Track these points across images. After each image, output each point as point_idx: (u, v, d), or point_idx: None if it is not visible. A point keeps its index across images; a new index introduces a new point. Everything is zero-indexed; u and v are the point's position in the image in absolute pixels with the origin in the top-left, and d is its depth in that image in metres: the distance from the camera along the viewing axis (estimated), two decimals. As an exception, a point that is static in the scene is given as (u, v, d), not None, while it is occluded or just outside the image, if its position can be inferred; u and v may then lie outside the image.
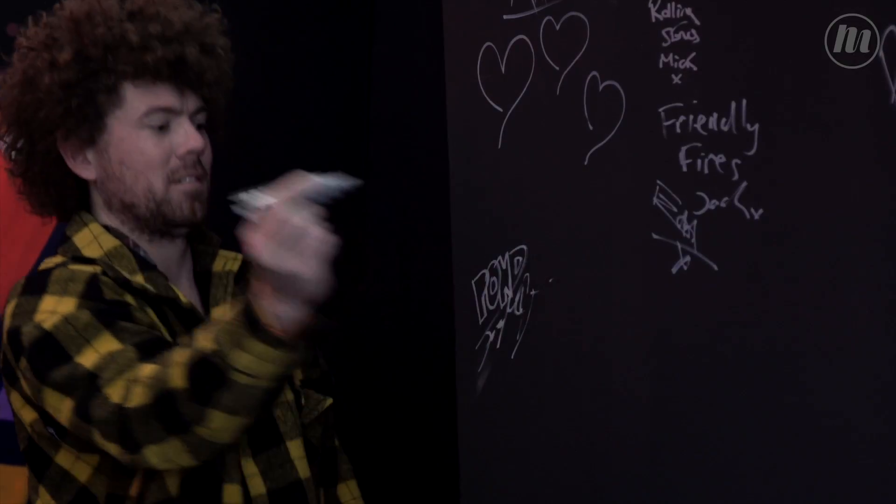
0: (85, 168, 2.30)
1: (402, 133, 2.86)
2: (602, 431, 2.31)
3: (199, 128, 2.33)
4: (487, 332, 2.55)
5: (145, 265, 2.29)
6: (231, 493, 2.23)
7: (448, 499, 2.59)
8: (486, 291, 2.55)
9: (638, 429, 2.26)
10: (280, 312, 2.02)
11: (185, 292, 2.33)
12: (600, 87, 2.32)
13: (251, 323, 2.03)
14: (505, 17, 2.49)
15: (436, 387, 2.67)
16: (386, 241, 2.68)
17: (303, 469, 2.32)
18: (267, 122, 2.83)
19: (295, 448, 2.33)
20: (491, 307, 2.54)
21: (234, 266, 2.39)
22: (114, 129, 2.28)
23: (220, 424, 2.08)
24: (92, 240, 2.30)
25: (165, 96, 2.27)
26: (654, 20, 2.23)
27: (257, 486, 2.28)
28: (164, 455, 2.11)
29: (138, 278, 2.26)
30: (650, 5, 2.23)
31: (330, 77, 2.93)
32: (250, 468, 2.29)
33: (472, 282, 2.57)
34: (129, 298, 2.23)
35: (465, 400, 2.55)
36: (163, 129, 2.28)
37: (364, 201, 2.67)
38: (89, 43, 2.28)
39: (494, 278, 2.54)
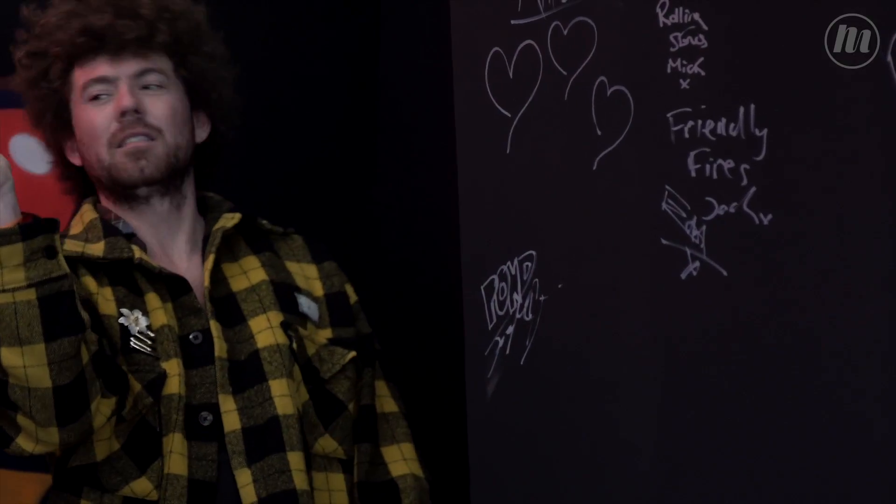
0: (73, 156, 2.45)
1: (409, 138, 2.86)
2: (611, 436, 2.31)
3: (145, 88, 2.41)
4: (497, 338, 2.53)
5: (113, 232, 2.38)
6: (169, 441, 2.28)
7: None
8: (495, 297, 2.54)
9: (647, 432, 2.26)
10: None
11: (182, 257, 2.42)
12: (608, 92, 2.32)
13: None
14: (512, 21, 2.48)
15: (445, 393, 2.67)
16: (394, 246, 2.69)
17: (283, 406, 2.35)
18: (273, 129, 2.83)
19: (277, 386, 2.36)
20: (500, 313, 2.52)
21: (228, 223, 2.45)
22: (74, 112, 2.42)
23: (15, 360, 2.13)
24: (78, 218, 2.42)
25: (100, 67, 2.40)
26: (661, 25, 2.22)
27: (232, 422, 2.33)
28: (29, 437, 2.19)
29: (94, 247, 2.35)
30: (658, 10, 2.23)
31: (336, 82, 2.94)
32: (228, 405, 2.34)
33: (481, 287, 2.56)
34: (82, 270, 2.34)
35: (474, 406, 2.55)
36: (103, 98, 2.40)
37: (372, 207, 2.67)
38: (37, 37, 2.43)
39: (503, 284, 2.52)
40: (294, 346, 2.40)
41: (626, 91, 2.29)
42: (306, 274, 2.51)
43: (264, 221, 2.53)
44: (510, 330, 2.50)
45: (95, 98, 2.42)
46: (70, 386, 2.18)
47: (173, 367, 2.33)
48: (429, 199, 2.79)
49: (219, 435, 2.33)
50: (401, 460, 2.48)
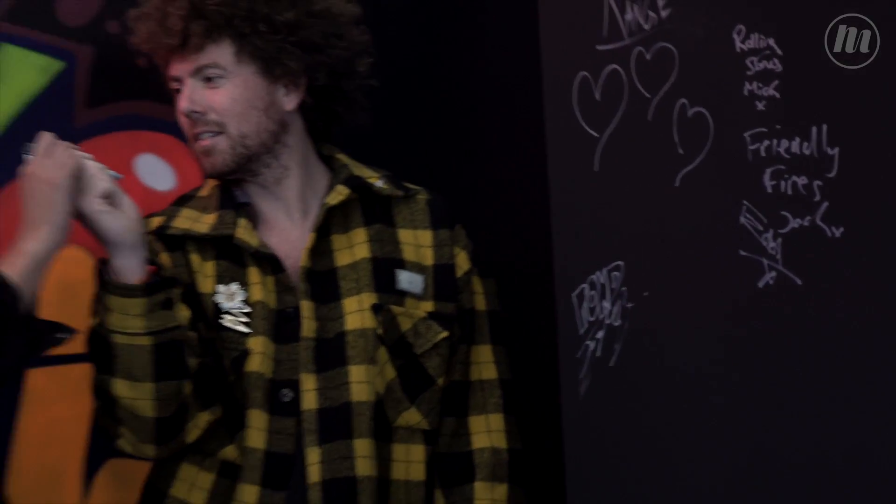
0: None
1: (503, 158, 2.83)
2: (695, 432, 2.34)
3: (208, 80, 2.36)
4: (588, 342, 2.53)
5: (227, 204, 2.40)
6: (250, 416, 2.33)
7: (554, 498, 2.56)
8: (585, 304, 2.53)
9: (727, 430, 2.29)
10: (114, 266, 2.21)
11: (296, 225, 2.41)
12: (689, 114, 2.33)
13: (102, 282, 2.21)
14: (598, 47, 2.48)
15: (540, 392, 2.66)
16: (490, 257, 2.67)
17: (358, 393, 2.35)
18: (375, 150, 2.72)
19: (356, 372, 2.36)
20: (591, 319, 2.52)
21: (333, 200, 2.41)
22: None
23: (125, 392, 2.22)
24: (208, 181, 2.45)
25: (171, 66, 2.39)
26: (738, 50, 2.25)
27: (309, 401, 2.34)
28: (128, 443, 2.28)
29: (206, 219, 2.38)
30: (735, 36, 2.25)
31: (438, 101, 2.88)
32: (309, 384, 2.35)
33: (573, 295, 2.54)
34: (190, 246, 2.38)
35: (568, 404, 2.54)
36: (181, 92, 2.40)
37: (471, 222, 2.64)
38: None
39: (594, 292, 2.51)
40: (380, 330, 2.39)
41: (705, 112, 2.30)
42: (419, 242, 2.47)
43: (384, 185, 2.46)
44: (600, 334, 2.50)
45: (178, 92, 2.41)
46: (170, 417, 2.27)
47: (258, 345, 2.34)
48: (523, 213, 2.75)
49: (298, 410, 2.34)
50: (484, 432, 2.47)
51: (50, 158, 2.22)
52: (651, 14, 2.39)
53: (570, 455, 2.55)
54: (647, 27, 2.40)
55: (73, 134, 2.47)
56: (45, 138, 2.24)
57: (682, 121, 2.34)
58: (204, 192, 2.45)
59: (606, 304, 2.49)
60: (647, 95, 2.40)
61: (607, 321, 2.49)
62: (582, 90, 2.52)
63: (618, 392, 2.48)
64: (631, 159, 2.45)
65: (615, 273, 2.49)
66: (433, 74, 2.90)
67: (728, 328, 2.28)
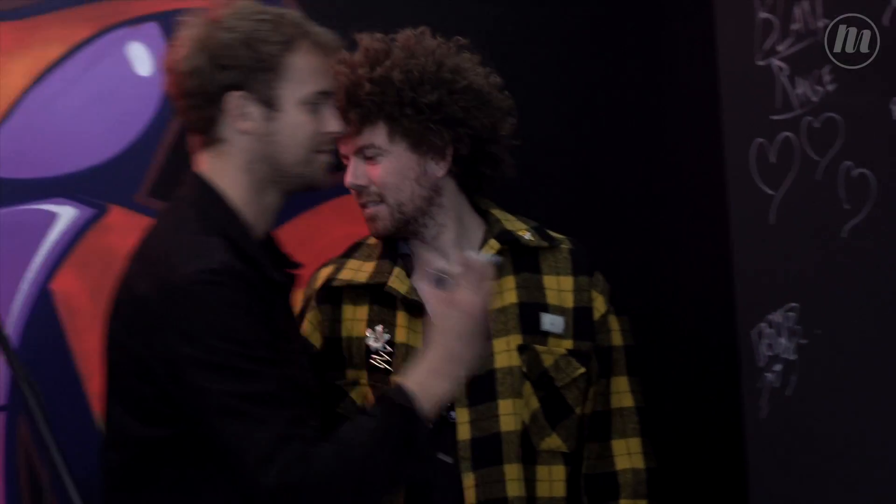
0: None
1: (690, 214, 2.93)
2: (866, 453, 2.44)
3: (368, 159, 2.48)
4: (766, 374, 2.64)
5: (388, 254, 2.52)
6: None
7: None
8: (764, 340, 2.63)
9: (890, 449, 2.37)
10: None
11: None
12: (853, 174, 2.42)
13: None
14: (773, 117, 2.60)
15: (725, 418, 2.79)
16: (677, 301, 2.83)
17: (507, 424, 2.46)
18: (572, 205, 2.93)
19: (505, 406, 2.47)
20: (769, 353, 2.63)
21: (488, 252, 2.51)
22: None
23: None
24: None
25: (339, 146, 2.49)
26: (895, 119, 2.33)
27: (464, 432, 2.46)
28: None
29: (364, 269, 2.52)
30: (892, 106, 2.33)
31: (636, 170, 3.01)
32: (463, 416, 2.47)
33: (753, 332, 2.68)
34: (346, 294, 2.50)
35: (750, 429, 2.68)
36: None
37: (659, 269, 2.76)
38: None
39: (771, 330, 2.61)
40: (524, 368, 2.48)
41: (868, 173, 2.39)
42: (561, 287, 2.55)
43: (531, 238, 2.53)
44: (777, 367, 2.61)
45: (347, 166, 2.53)
46: None
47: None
48: (708, 261, 2.86)
49: (443, 434, 2.44)
50: (626, 454, 2.56)
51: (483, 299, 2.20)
52: (818, 88, 2.50)
53: (753, 473, 2.68)
54: (815, 100, 2.51)
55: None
56: (484, 272, 2.21)
57: (847, 180, 2.44)
58: (372, 241, 2.60)
59: (783, 341, 2.58)
60: (816, 158, 2.51)
61: (783, 355, 2.59)
62: (759, 154, 2.64)
63: (794, 418, 2.58)
64: (802, 214, 2.55)
65: (790, 313, 2.58)
66: (628, 146, 3.02)
67: (891, 362, 2.38)
